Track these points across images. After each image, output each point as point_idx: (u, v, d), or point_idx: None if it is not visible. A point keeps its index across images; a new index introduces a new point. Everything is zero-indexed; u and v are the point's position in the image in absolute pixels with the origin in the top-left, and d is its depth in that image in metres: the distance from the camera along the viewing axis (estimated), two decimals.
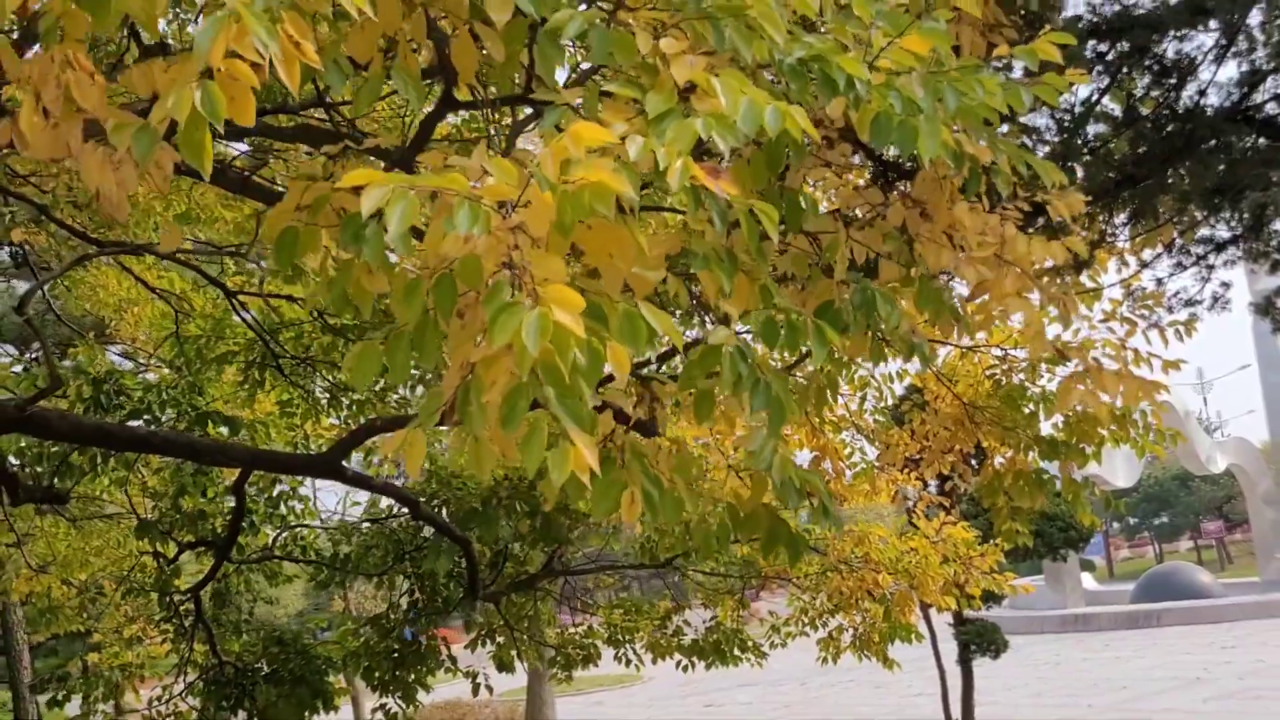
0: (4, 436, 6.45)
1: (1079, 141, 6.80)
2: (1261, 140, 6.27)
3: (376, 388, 8.12)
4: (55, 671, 9.03)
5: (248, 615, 9.07)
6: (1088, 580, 36.37)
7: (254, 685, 8.63)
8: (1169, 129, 6.84)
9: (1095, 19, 6.24)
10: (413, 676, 9.41)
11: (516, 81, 3.58)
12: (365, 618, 9.86)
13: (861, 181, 4.77)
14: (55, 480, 6.70)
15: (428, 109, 4.01)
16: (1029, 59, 3.03)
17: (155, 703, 8.91)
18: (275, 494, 8.50)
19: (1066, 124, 6.91)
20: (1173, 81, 6.89)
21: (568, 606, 10.37)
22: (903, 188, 6.76)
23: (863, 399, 8.71)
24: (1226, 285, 7.94)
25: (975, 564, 9.27)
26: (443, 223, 2.14)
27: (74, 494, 8.17)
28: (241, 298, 7.30)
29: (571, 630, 10.00)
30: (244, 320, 7.24)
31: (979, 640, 13.78)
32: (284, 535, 8.83)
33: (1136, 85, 6.91)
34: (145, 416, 7.15)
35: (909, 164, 6.95)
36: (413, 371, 7.99)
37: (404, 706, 9.44)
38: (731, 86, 2.37)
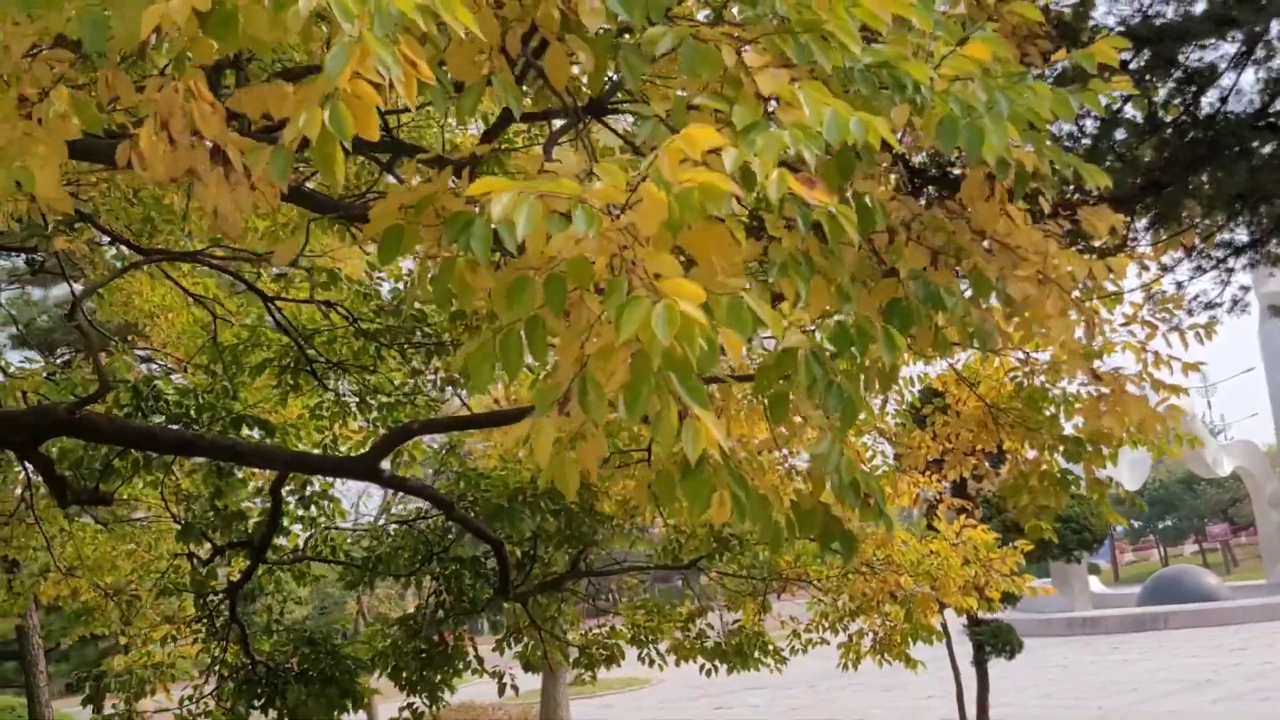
0: (48, 440, 6.57)
1: (1104, 147, 6.94)
2: None
3: (405, 390, 8.25)
4: (92, 670, 9.11)
5: (278, 615, 9.18)
6: (1094, 583, 36.47)
7: (285, 685, 8.75)
8: (1191, 135, 6.98)
9: (1122, 29, 6.38)
10: (439, 677, 9.54)
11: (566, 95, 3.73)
12: (390, 619, 9.99)
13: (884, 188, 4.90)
14: (100, 483, 6.83)
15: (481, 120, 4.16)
16: (1088, 62, 3.16)
17: (186, 702, 9.02)
18: (307, 494, 8.63)
19: (1091, 131, 7.06)
20: (1194, 89, 7.03)
21: (592, 605, 10.50)
22: (931, 192, 6.90)
23: (884, 401, 8.82)
24: (1245, 289, 8.07)
25: (995, 566, 9.38)
26: (548, 224, 2.27)
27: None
28: (278, 303, 7.43)
29: (595, 631, 10.10)
30: (279, 324, 7.37)
31: (994, 641, 13.90)
32: (314, 536, 8.95)
33: (1158, 92, 7.05)
34: (184, 421, 7.27)
35: (938, 171, 7.09)
36: (441, 374, 8.13)
37: (430, 706, 9.57)
38: (814, 98, 2.50)
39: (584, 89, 4.19)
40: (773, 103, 2.60)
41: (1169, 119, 7.10)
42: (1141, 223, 7.49)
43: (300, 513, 8.77)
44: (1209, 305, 8.15)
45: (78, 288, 8.31)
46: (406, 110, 5.94)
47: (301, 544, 9.10)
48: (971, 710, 13.92)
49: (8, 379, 8.56)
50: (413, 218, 2.54)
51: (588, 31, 2.55)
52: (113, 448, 7.34)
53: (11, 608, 10.98)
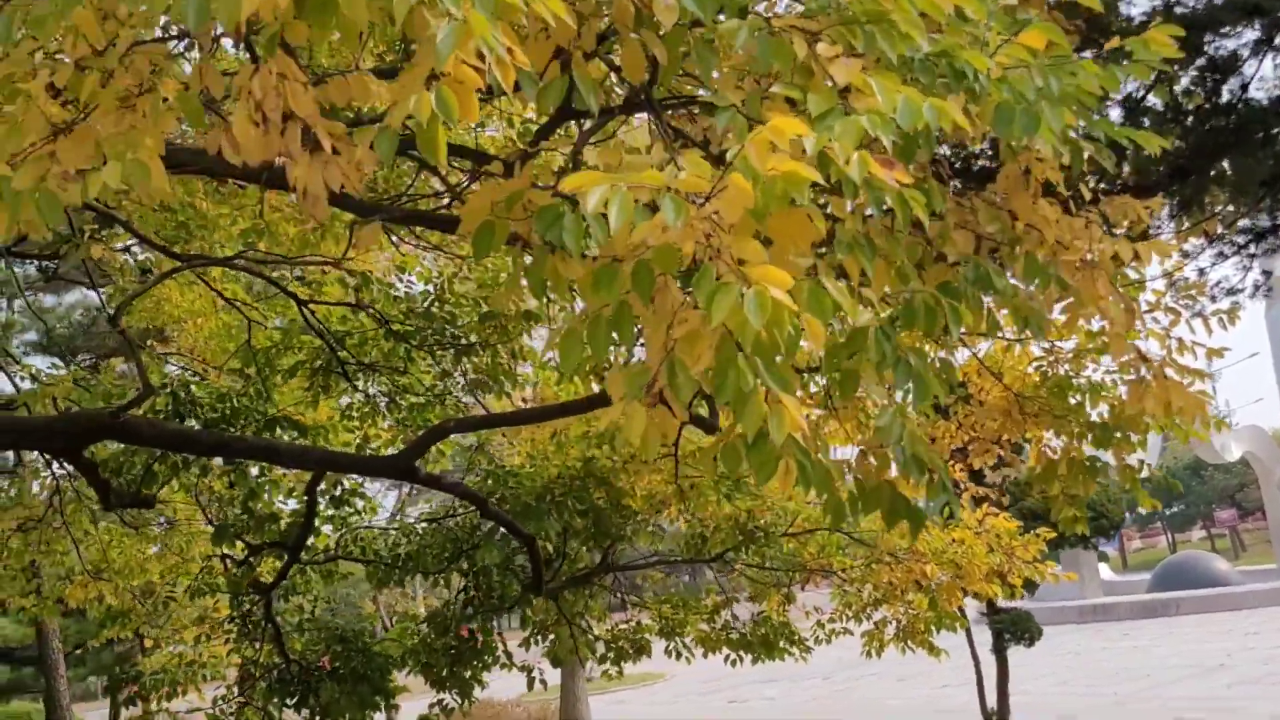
0: (91, 444, 6.65)
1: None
2: None
3: (435, 391, 8.32)
4: (129, 670, 9.20)
5: (309, 614, 9.26)
6: (1104, 570, 36.55)
7: (318, 683, 8.81)
8: (1213, 123, 7.04)
9: (1146, 19, 6.44)
10: (469, 672, 9.60)
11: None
12: (412, 617, 10.06)
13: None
14: (142, 486, 6.91)
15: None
16: (1142, 49, 3.22)
17: (220, 702, 9.10)
18: (337, 494, 8.70)
19: (1116, 121, 7.11)
20: (1216, 77, 7.09)
21: (619, 600, 10.58)
22: (956, 185, 6.96)
23: (907, 391, 8.87)
24: (1268, 274, 8.14)
25: (1018, 554, 9.45)
26: (635, 214, 2.33)
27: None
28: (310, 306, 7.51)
29: (622, 625, 10.18)
30: (311, 327, 7.45)
31: (1014, 629, 13.97)
32: (345, 535, 9.02)
33: (1179, 81, 7.11)
34: (219, 424, 7.35)
35: (961, 164, 7.16)
36: (470, 376, 8.19)
37: (460, 702, 9.63)
38: (886, 86, 2.57)
39: (616, 89, 4.26)
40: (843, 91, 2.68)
41: (1190, 107, 7.16)
42: (1164, 211, 7.55)
43: (330, 513, 8.84)
44: (1231, 291, 8.21)
45: (95, 295, 8.38)
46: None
47: (331, 544, 9.18)
48: (991, 698, 13.99)
49: (39, 385, 8.62)
50: (502, 213, 2.61)
51: (663, 27, 2.62)
52: (150, 452, 7.42)
53: (41, 612, 11.05)
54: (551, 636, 10.05)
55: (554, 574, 8.87)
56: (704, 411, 7.77)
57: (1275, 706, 15.92)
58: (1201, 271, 8.25)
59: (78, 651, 25.35)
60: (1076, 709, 17.83)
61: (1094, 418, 7.82)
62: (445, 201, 5.43)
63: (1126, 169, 6.88)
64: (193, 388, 7.63)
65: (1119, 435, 7.48)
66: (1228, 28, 6.17)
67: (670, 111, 4.16)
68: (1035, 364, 8.10)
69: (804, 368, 5.53)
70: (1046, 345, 8.14)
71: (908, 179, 2.43)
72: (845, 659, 17.29)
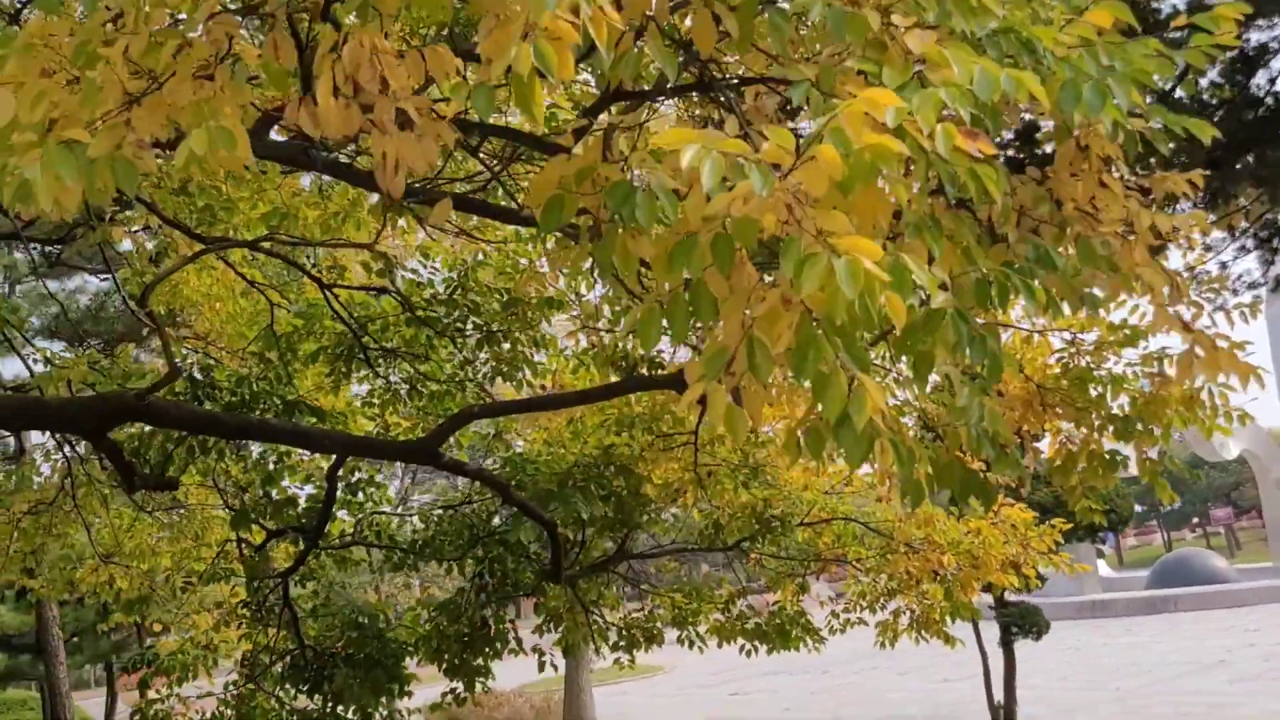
0: (116, 426, 6.63)
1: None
2: None
3: (456, 379, 8.31)
4: (145, 654, 9.20)
5: (324, 600, 9.25)
6: (1102, 567, 36.61)
7: (333, 669, 8.80)
8: (1242, 116, 7.04)
9: (1172, 11, 6.45)
10: (479, 660, 9.60)
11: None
12: (417, 603, 10.06)
13: None
14: (165, 469, 6.90)
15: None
16: (1211, 24, 3.22)
17: (231, 687, 9.10)
18: (354, 480, 8.69)
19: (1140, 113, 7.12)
20: (1245, 70, 7.08)
21: (635, 588, 10.59)
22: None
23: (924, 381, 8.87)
24: None
25: (1033, 544, 9.47)
26: (714, 180, 2.31)
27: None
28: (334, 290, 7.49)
29: (634, 614, 10.19)
30: (335, 312, 7.43)
31: (1021, 623, 13.99)
32: (361, 521, 9.02)
33: (1206, 73, 7.11)
34: (238, 408, 7.33)
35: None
36: (491, 365, 8.17)
37: (470, 691, 9.63)
38: (961, 58, 2.57)
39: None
40: (919, 65, 2.67)
41: (1215, 100, 7.16)
42: (1186, 205, 7.56)
43: (347, 499, 8.83)
44: (1252, 285, 8.23)
45: (96, 280, 8.32)
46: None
47: (348, 529, 9.17)
48: (998, 691, 14.02)
49: (53, 369, 8.60)
50: (574, 186, 2.59)
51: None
52: (168, 436, 7.41)
53: (49, 595, 11.01)
54: (564, 624, 10.06)
55: (572, 561, 8.87)
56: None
57: (1277, 703, 15.97)
58: (1224, 265, 8.27)
59: (74, 639, 25.31)
60: (1078, 704, 17.89)
61: (1114, 410, 7.84)
62: (482, 184, 5.42)
63: (1153, 160, 6.89)
64: (213, 372, 7.61)
65: (1140, 428, 7.50)
66: (1262, 20, 6.17)
67: (713, 93, 4.15)
68: (1056, 355, 8.11)
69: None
70: (1068, 337, 8.16)
71: (992, 150, 2.43)
72: (845, 654, 17.27)
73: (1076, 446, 7.71)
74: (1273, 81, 7.22)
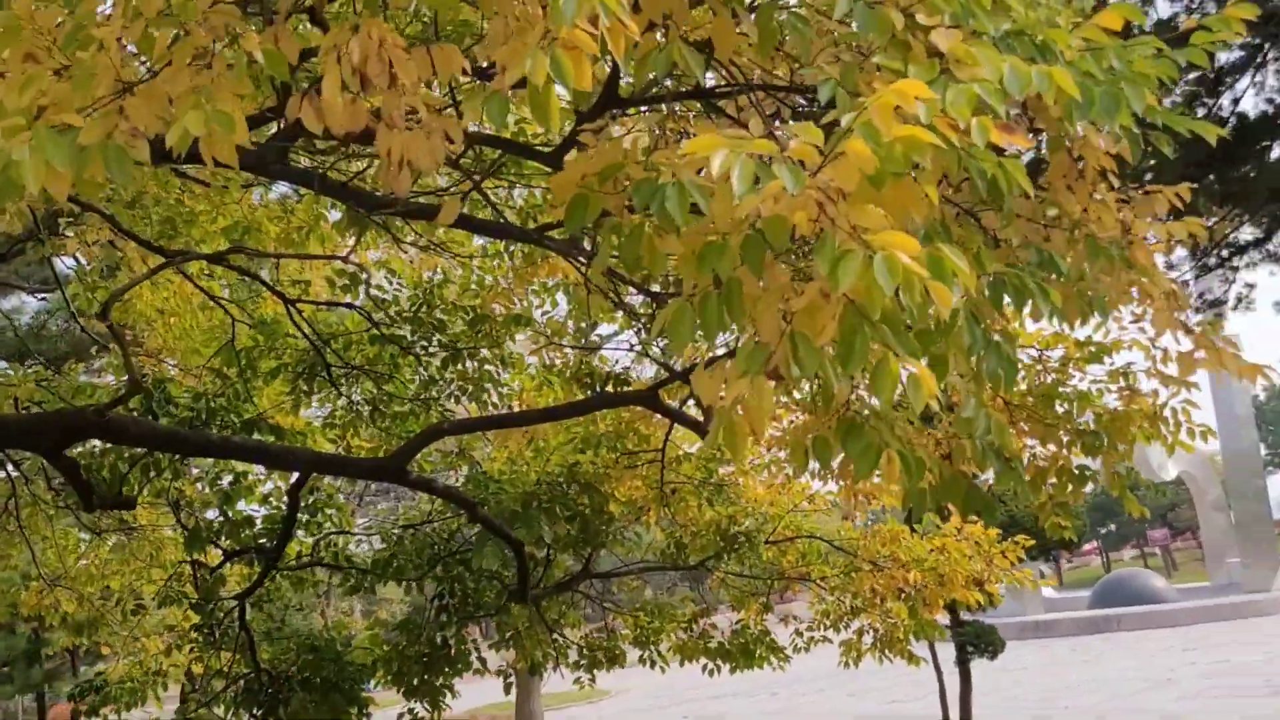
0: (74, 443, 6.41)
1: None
2: None
3: (421, 398, 8.15)
4: (93, 681, 8.89)
5: (279, 623, 9.01)
6: (1043, 588, 37.01)
7: (289, 692, 8.58)
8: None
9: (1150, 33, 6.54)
10: (440, 680, 9.41)
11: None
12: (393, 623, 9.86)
13: None
14: (120, 488, 6.67)
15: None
16: (1222, 26, 3.22)
17: (180, 714, 8.83)
18: (311, 501, 8.48)
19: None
20: (1210, 92, 7.19)
21: (598, 607, 10.46)
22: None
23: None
24: (1251, 286, 8.25)
25: (997, 561, 9.49)
26: (746, 183, 2.25)
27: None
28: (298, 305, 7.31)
29: (595, 635, 10.06)
30: (299, 329, 7.25)
31: (977, 641, 14.04)
32: (319, 541, 8.81)
33: (1174, 93, 7.20)
34: (196, 426, 7.12)
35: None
36: (456, 383, 8.02)
37: (431, 712, 9.43)
38: (989, 55, 2.53)
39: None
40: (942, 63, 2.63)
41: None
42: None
43: (305, 519, 8.61)
44: (1214, 303, 8.33)
45: (35, 300, 8.08)
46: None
47: (305, 551, 8.95)
48: (954, 711, 14.04)
49: (0, 386, 8.33)
50: (598, 185, 2.51)
51: None
52: (120, 454, 7.18)
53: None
54: (524, 643, 9.90)
55: (537, 581, 8.73)
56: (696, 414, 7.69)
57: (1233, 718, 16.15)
58: (1185, 283, 8.37)
59: (4, 669, 24.53)
60: None
61: (1080, 426, 7.88)
62: (461, 195, 5.30)
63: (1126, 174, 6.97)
64: (168, 387, 7.40)
65: (1107, 443, 7.54)
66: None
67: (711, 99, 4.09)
68: (1021, 372, 8.15)
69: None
70: (1034, 353, 8.20)
71: (1028, 144, 2.38)
72: (794, 675, 17.15)
73: (1045, 463, 7.75)
74: (1236, 102, 7.32)
